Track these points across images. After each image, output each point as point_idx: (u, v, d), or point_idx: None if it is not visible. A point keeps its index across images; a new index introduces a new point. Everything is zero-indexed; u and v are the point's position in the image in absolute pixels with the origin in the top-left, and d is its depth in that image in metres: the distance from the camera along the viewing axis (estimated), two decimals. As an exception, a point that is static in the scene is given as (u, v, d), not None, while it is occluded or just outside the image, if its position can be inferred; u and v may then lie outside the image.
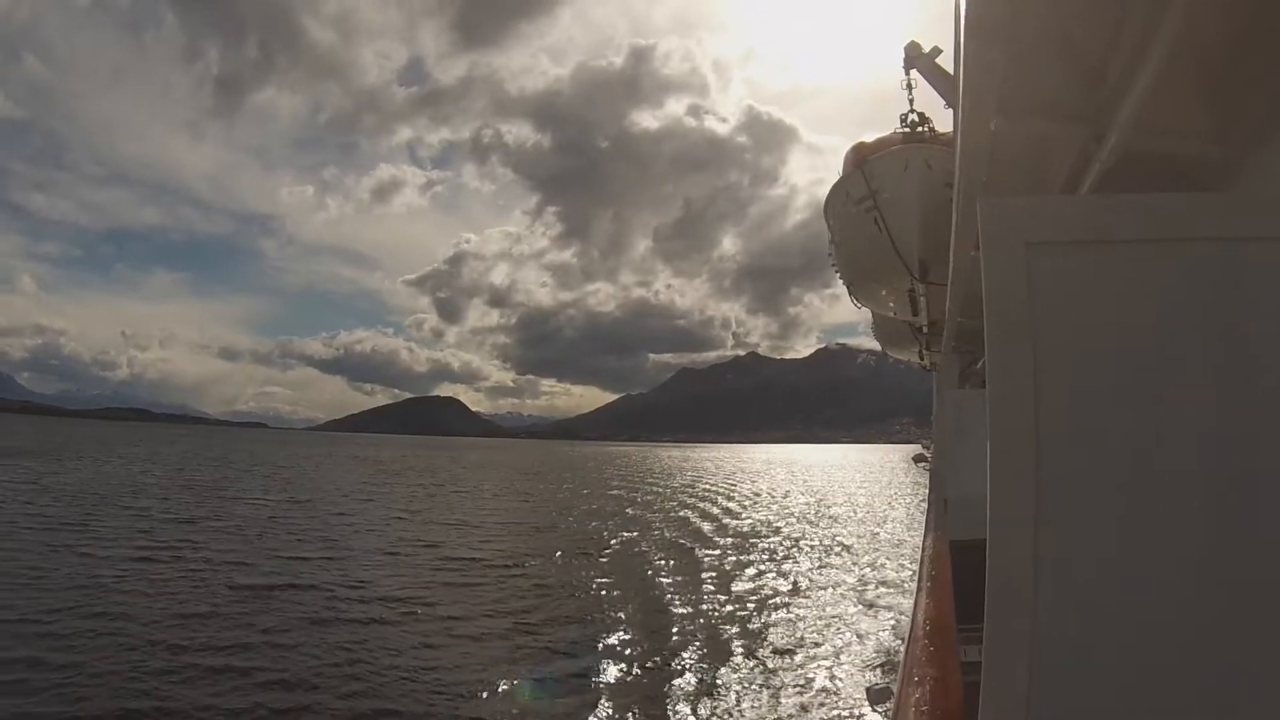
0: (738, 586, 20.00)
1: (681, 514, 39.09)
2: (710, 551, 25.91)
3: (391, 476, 66.63)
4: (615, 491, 54.65)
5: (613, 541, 27.75)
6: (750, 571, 22.21)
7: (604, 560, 23.93)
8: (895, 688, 3.31)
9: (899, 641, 13.64)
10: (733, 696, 11.61)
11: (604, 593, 18.98)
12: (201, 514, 31.07)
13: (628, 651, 13.78)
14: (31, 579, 17.51)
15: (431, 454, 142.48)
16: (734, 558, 24.61)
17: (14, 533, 23.35)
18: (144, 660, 12.12)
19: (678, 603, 17.96)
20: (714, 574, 21.72)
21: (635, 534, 29.99)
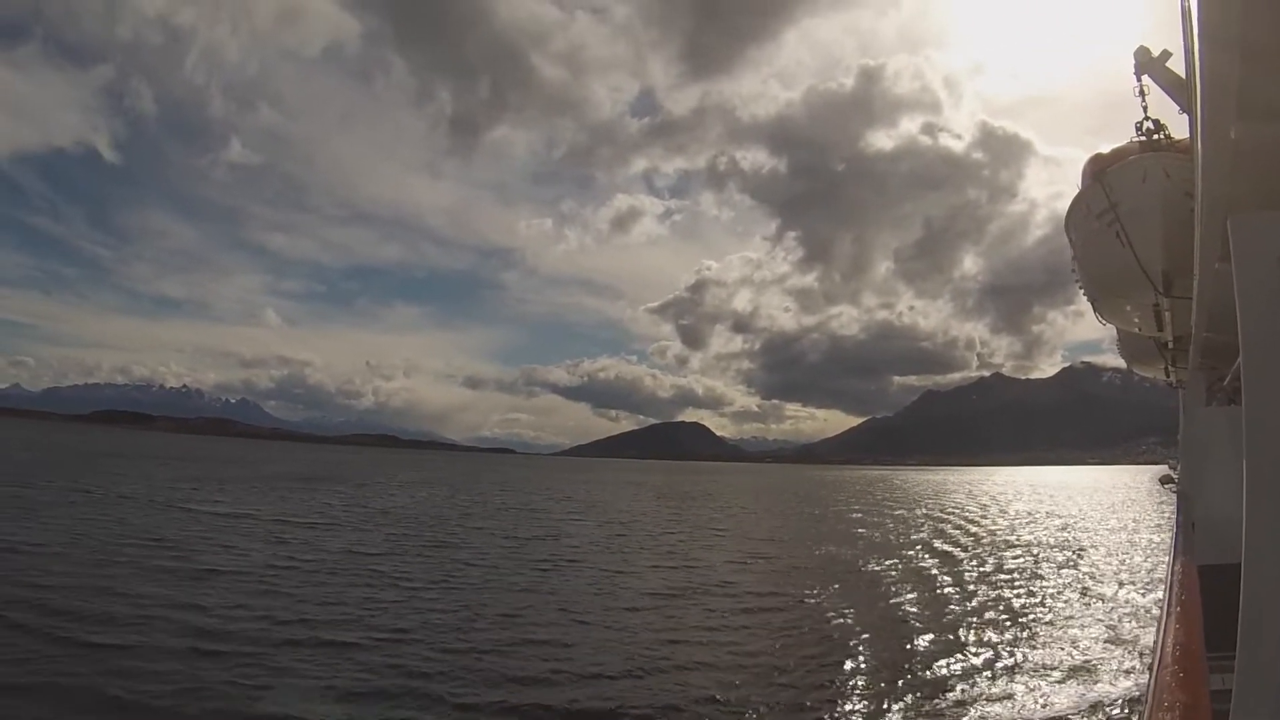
0: (982, 609, 20.79)
1: (927, 538, 39.58)
2: (955, 576, 26.62)
3: (684, 501, 71.97)
4: (879, 518, 54.64)
5: (878, 569, 28.41)
6: (994, 595, 22.85)
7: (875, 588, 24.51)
8: (1144, 715, 3.11)
9: (1145, 668, 13.71)
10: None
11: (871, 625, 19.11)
12: (539, 532, 37.17)
13: (871, 687, 13.87)
14: (446, 589, 22.48)
15: (694, 478, 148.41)
16: (978, 583, 25.22)
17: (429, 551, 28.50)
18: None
19: (923, 627, 18.70)
20: (959, 598, 22.44)
21: (892, 561, 30.60)
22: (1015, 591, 23.61)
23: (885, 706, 12.75)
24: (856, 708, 12.74)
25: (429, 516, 42.98)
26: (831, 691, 13.56)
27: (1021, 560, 30.66)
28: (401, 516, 41.86)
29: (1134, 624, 19.01)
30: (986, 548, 35.26)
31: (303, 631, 16.01)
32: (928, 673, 14.65)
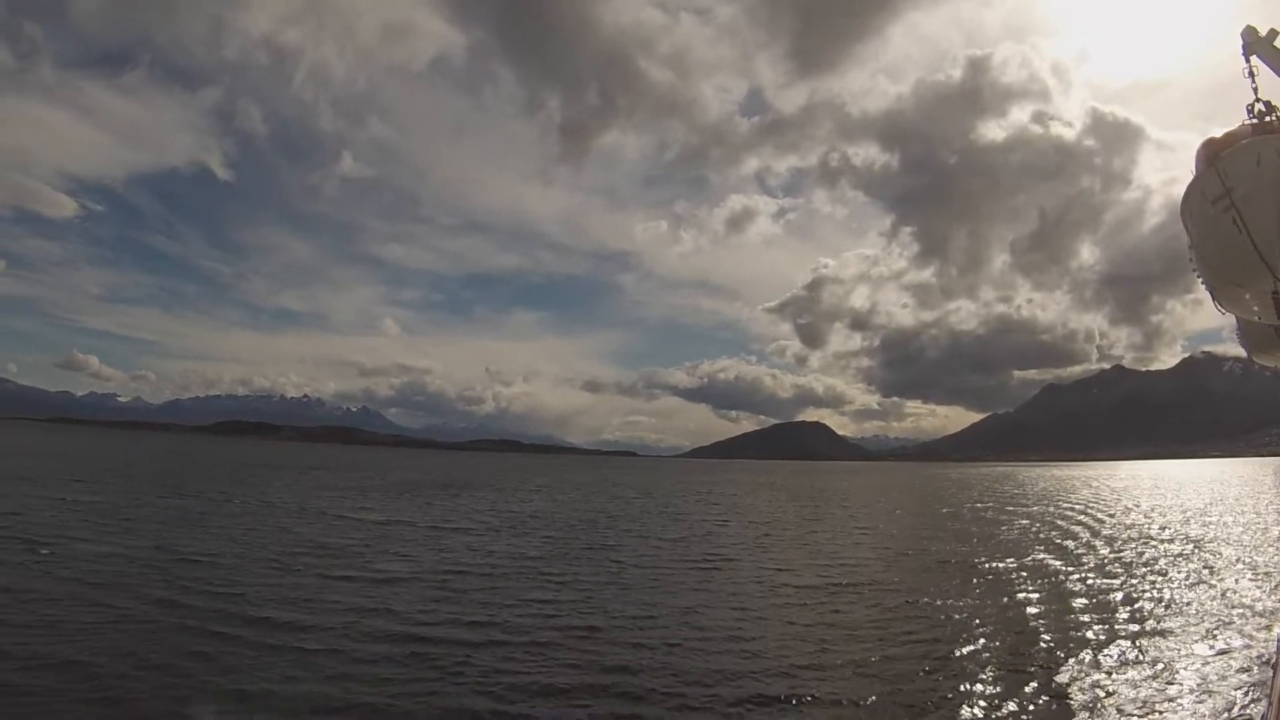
0: (1107, 607, 20.28)
1: (1061, 536, 38.08)
2: (1081, 573, 25.87)
3: (818, 501, 70.54)
4: (1011, 516, 52.61)
5: (1018, 566, 27.61)
6: (1119, 595, 22.08)
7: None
8: (1267, 712, 2.69)
9: (1269, 666, 14.13)
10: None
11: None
12: (687, 533, 37.24)
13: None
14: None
15: (821, 478, 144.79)
16: (1103, 580, 24.55)
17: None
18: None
19: (1049, 624, 18.42)
20: (1085, 596, 21.86)
21: (1031, 558, 29.61)
22: (1147, 589, 22.88)
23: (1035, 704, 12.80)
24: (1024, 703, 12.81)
25: (576, 520, 43.24)
26: (1000, 684, 13.84)
27: (1153, 556, 29.63)
28: (550, 520, 42.19)
29: (1260, 621, 18.53)
30: (1119, 544, 33.73)
31: (498, 633, 16.34)
32: (1061, 668, 14.70)
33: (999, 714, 12.33)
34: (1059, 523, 44.75)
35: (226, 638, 14.69)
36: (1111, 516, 48.78)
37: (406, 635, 15.60)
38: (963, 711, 12.41)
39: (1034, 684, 13.60)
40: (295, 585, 19.96)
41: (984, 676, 14.18)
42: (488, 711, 11.73)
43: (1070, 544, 34.28)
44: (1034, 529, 41.19)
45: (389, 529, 33.63)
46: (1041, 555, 30.14)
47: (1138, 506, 57.90)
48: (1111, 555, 30.09)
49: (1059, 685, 13.57)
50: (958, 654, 15.69)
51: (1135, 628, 17.86)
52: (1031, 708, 12.51)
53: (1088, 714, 12.32)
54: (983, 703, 12.76)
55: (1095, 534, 38.21)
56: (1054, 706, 12.61)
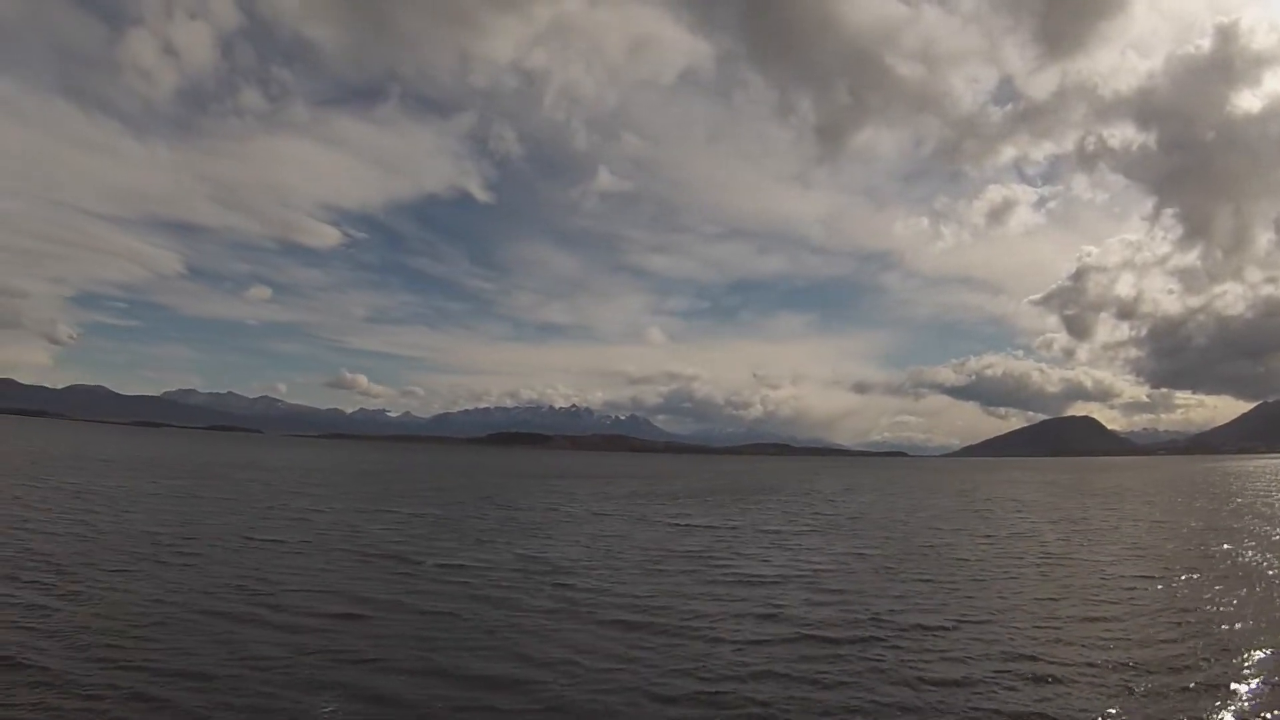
0: None
1: None
2: None
3: (1108, 497, 66.90)
4: None
5: None
6: None
7: None
8: None
9: None
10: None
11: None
12: (1005, 531, 35.73)
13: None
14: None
15: (1099, 474, 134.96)
16: None
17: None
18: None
19: None
20: None
21: None
22: None
23: None
24: None
25: (893, 520, 42.44)
26: None
27: None
28: (871, 521, 41.69)
29: None
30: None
31: (890, 628, 16.54)
32: None
33: None
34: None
35: (640, 631, 15.89)
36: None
37: (809, 634, 15.99)
38: None
39: None
40: (675, 587, 20.87)
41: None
42: (922, 700, 11.93)
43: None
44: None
45: (720, 532, 34.50)
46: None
47: None
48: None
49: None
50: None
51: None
52: None
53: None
54: None
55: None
56: None
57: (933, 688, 12.51)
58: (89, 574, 19.09)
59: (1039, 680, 12.86)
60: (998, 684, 12.70)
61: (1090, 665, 13.72)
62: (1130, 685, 12.56)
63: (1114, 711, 11.44)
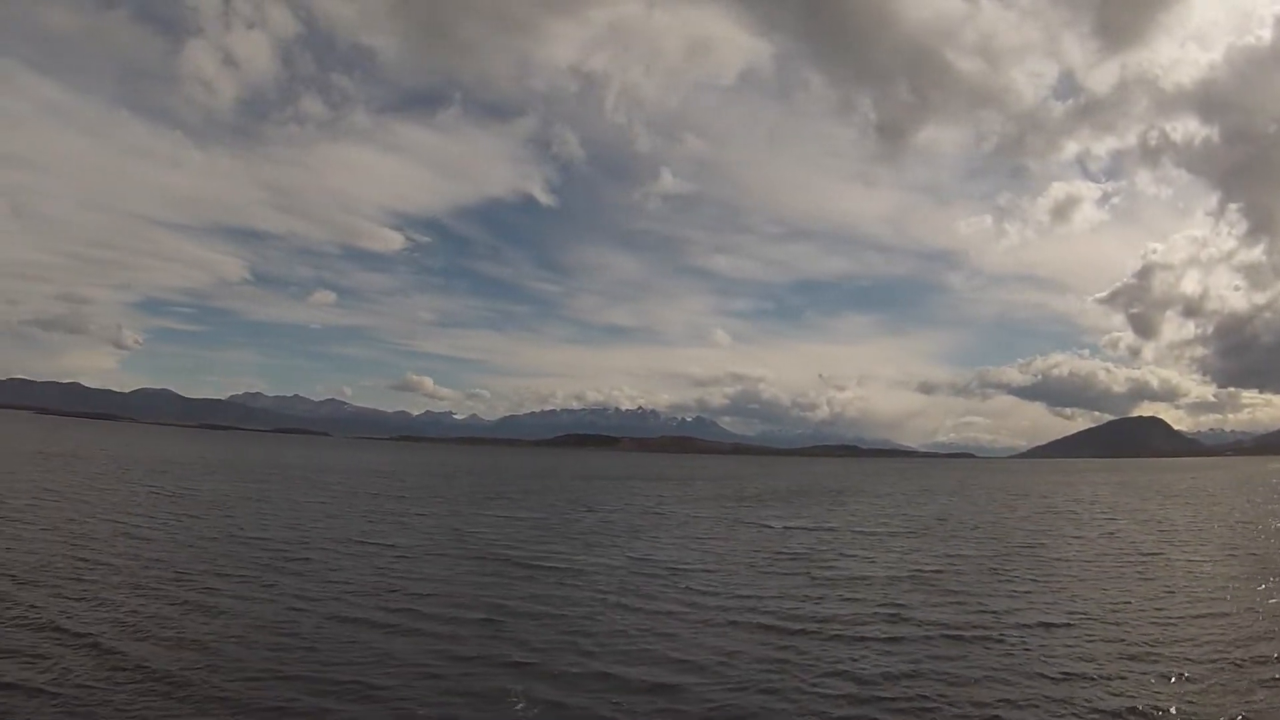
0: None
1: None
2: None
3: (1186, 498, 66.62)
4: None
5: None
6: None
7: None
8: None
9: None
10: None
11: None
12: (1089, 532, 36.99)
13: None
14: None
15: (1170, 475, 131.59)
16: None
17: None
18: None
19: None
20: None
21: None
22: None
23: None
24: None
25: (982, 521, 42.46)
26: None
27: None
28: (961, 522, 41.55)
29: None
30: None
31: (1006, 627, 16.85)
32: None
33: None
34: None
35: (778, 633, 16.13)
36: None
37: (941, 634, 16.27)
38: None
39: None
40: (794, 588, 21.11)
41: None
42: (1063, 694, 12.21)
43: None
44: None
45: (819, 534, 34.61)
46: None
47: None
48: None
49: None
50: None
51: None
52: None
53: None
54: None
55: None
56: None
57: (1068, 682, 12.88)
58: (213, 581, 19.07)
59: (1164, 677, 13.05)
60: (1126, 678, 13.01)
61: (1211, 662, 13.91)
62: (1259, 681, 12.80)
63: (1255, 703, 11.70)
